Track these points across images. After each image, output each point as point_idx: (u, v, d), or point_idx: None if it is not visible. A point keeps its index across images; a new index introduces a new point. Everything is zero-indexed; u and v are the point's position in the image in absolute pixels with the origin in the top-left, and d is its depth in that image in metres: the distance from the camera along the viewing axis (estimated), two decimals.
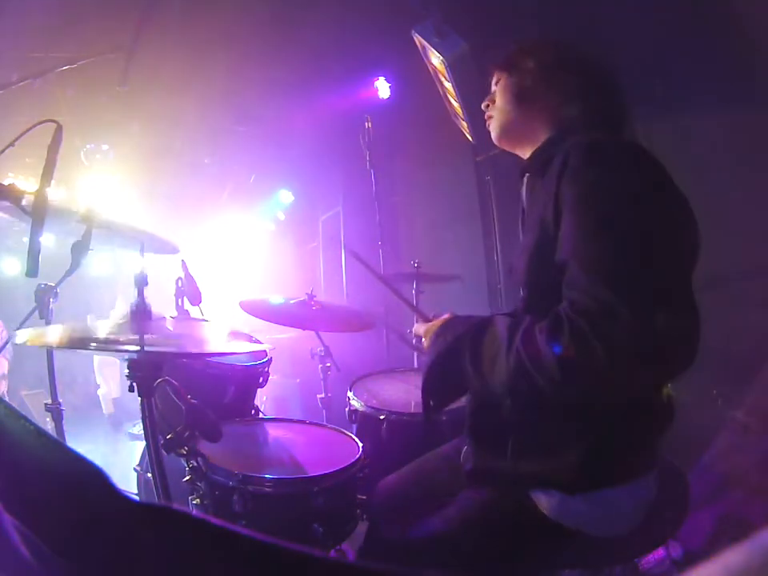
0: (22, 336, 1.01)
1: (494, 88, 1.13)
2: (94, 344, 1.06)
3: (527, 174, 1.08)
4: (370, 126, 2.84)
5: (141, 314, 1.10)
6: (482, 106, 1.15)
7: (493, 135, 1.13)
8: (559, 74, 1.03)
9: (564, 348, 0.74)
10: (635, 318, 0.71)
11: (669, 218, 0.82)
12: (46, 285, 1.61)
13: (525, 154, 1.09)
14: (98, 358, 4.67)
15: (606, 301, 0.73)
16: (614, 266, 0.76)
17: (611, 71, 1.07)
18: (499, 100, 1.10)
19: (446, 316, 1.02)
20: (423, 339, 1.05)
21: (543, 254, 0.88)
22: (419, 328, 1.09)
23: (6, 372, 4.30)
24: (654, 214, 0.80)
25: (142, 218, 1.55)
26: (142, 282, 1.10)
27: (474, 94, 2.68)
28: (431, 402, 0.98)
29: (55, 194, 1.02)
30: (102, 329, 1.14)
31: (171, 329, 1.17)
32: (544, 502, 0.91)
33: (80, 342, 1.12)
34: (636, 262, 0.76)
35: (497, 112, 1.10)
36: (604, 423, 0.87)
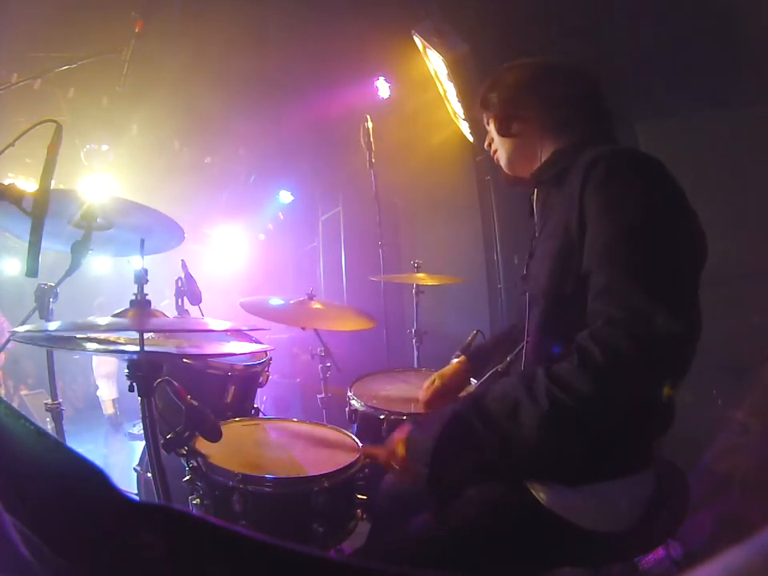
0: (22, 335, 1.01)
1: (485, 124, 1.19)
2: (94, 345, 1.07)
3: (537, 187, 1.10)
4: (369, 125, 2.84)
5: (141, 309, 1.10)
6: (485, 146, 1.20)
7: (503, 167, 1.17)
8: (523, 93, 1.08)
9: (600, 374, 0.75)
10: (670, 322, 0.73)
11: (689, 225, 0.85)
12: (46, 285, 1.61)
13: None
14: (95, 360, 4.68)
15: (643, 307, 0.74)
16: (648, 271, 0.78)
17: (589, 73, 1.09)
18: (494, 136, 1.15)
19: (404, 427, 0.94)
20: (396, 452, 0.94)
21: (566, 262, 0.89)
22: (378, 449, 0.99)
23: None
24: (678, 221, 0.83)
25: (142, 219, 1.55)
26: (142, 279, 1.10)
27: (473, 94, 2.68)
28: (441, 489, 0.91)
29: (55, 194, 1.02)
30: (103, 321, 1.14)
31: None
32: (542, 493, 0.92)
33: (79, 343, 1.12)
34: (666, 266, 0.78)
35: (498, 147, 1.15)
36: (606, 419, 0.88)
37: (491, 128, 1.16)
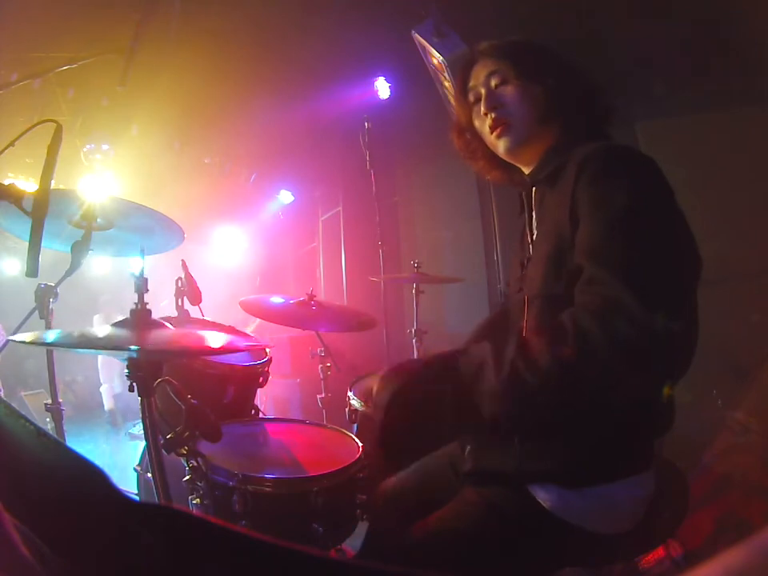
0: (22, 336, 1.01)
1: (492, 82, 1.03)
2: (94, 344, 1.06)
3: (534, 187, 1.06)
4: (369, 126, 2.84)
5: (141, 319, 1.09)
6: (487, 108, 1.02)
7: (507, 145, 1.02)
8: (571, 86, 1.01)
9: (569, 349, 0.73)
10: (648, 316, 0.70)
11: (679, 226, 0.83)
12: (46, 285, 1.61)
13: (527, 166, 1.07)
14: (101, 357, 4.72)
15: (625, 302, 0.72)
16: (632, 266, 0.76)
17: (590, 71, 1.05)
18: (521, 108, 1.00)
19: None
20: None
21: (561, 261, 0.88)
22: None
23: None
24: (668, 221, 0.82)
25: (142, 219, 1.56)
26: (142, 286, 1.10)
27: None
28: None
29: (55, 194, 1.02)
30: (103, 330, 1.14)
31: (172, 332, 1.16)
32: (542, 496, 0.92)
33: (80, 343, 1.12)
34: (653, 263, 0.77)
35: (518, 122, 1.00)
36: (603, 420, 0.87)
37: (517, 95, 1.00)
